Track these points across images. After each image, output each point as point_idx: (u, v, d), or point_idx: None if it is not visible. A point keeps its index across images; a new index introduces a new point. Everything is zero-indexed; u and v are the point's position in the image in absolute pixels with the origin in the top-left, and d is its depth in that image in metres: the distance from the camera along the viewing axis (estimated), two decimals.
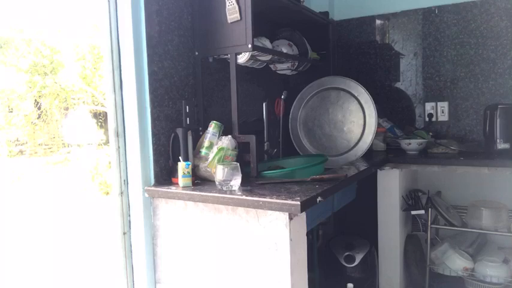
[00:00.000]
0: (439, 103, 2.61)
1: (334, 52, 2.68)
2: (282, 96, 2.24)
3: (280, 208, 1.28)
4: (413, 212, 2.33)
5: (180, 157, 1.59)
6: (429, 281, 2.31)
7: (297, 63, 2.23)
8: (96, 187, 5.85)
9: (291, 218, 1.30)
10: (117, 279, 1.69)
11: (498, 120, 2.12)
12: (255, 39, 1.69)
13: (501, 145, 2.11)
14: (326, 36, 2.44)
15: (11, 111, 7.87)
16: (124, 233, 1.64)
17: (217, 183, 1.47)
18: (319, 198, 1.33)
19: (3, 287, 3.26)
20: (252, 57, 1.85)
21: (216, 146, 1.64)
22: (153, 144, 1.61)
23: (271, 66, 2.27)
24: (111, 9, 1.57)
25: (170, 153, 1.65)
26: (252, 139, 1.65)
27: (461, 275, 2.28)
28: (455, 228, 2.34)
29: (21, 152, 7.94)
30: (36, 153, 8.12)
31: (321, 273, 2.27)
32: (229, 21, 1.67)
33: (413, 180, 2.59)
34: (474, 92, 2.51)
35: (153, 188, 1.59)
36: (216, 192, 1.43)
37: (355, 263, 2.26)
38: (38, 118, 8.28)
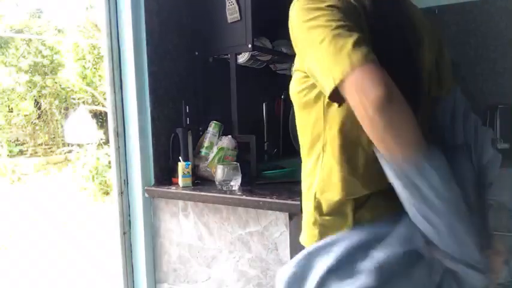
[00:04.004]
0: None
1: None
2: (282, 96, 2.24)
3: (280, 208, 1.28)
4: None
5: (180, 157, 1.59)
6: None
7: None
8: (96, 187, 5.86)
9: (291, 218, 1.30)
10: (117, 279, 1.69)
11: (498, 120, 2.11)
12: (255, 39, 1.69)
13: (501, 145, 2.11)
14: None
15: (11, 111, 7.88)
16: (124, 233, 1.64)
17: (217, 183, 1.47)
18: None
19: (4, 287, 3.26)
20: (252, 57, 1.85)
21: (216, 146, 1.64)
22: (153, 144, 1.61)
23: (271, 66, 2.26)
24: (111, 9, 1.57)
25: (170, 153, 1.65)
26: (252, 139, 1.65)
27: None
28: None
29: (21, 152, 7.94)
30: (36, 153, 8.13)
31: None
32: (229, 21, 1.67)
33: None
34: (474, 92, 2.51)
35: (153, 188, 1.59)
36: (216, 192, 1.43)
37: None
38: (38, 118, 8.30)
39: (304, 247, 0.93)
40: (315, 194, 0.90)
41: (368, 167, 0.86)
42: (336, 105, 0.78)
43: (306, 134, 0.94)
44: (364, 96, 0.67)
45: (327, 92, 0.72)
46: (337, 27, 0.73)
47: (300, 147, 0.97)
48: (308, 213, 0.92)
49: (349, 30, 0.73)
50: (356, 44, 0.70)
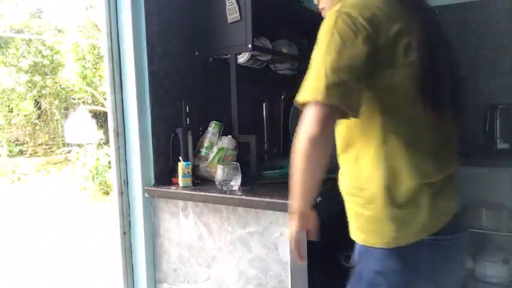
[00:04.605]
0: None
1: None
2: (282, 96, 2.24)
3: (280, 208, 1.27)
4: None
5: (180, 157, 1.59)
6: None
7: (297, 63, 2.23)
8: (96, 187, 5.85)
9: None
10: (117, 279, 1.69)
11: (498, 120, 2.11)
12: (255, 39, 1.69)
13: (501, 145, 2.11)
14: None
15: (11, 111, 7.87)
16: (124, 233, 1.64)
17: (217, 183, 1.47)
18: (319, 198, 1.33)
19: (4, 287, 3.26)
20: (252, 57, 1.85)
21: (216, 146, 1.64)
22: (153, 144, 1.61)
23: (271, 66, 2.26)
24: (111, 9, 1.57)
25: (170, 153, 1.65)
26: (252, 139, 1.65)
27: None
28: None
29: (21, 152, 7.93)
30: (36, 153, 8.12)
31: (321, 274, 2.26)
32: (229, 21, 1.67)
33: None
34: (474, 92, 2.51)
35: (153, 188, 1.59)
36: (216, 192, 1.43)
37: None
38: (38, 118, 8.29)
39: (368, 247, 0.92)
40: (386, 187, 0.89)
41: (437, 146, 0.90)
42: (394, 97, 0.89)
43: (353, 133, 0.96)
44: (305, 126, 0.87)
45: (298, 98, 0.92)
46: (340, 52, 0.85)
47: (342, 148, 0.99)
48: (376, 210, 0.91)
49: (347, 63, 0.85)
50: (333, 85, 0.84)
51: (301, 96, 0.91)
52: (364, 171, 0.93)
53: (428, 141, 0.91)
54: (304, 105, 0.90)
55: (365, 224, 0.94)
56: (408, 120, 0.90)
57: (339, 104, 0.84)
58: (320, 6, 1.12)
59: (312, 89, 0.87)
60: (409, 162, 0.88)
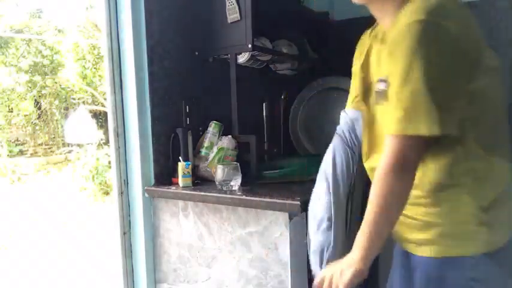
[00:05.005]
0: None
1: (334, 52, 2.67)
2: (282, 96, 2.24)
3: (280, 208, 1.28)
4: None
5: (180, 157, 1.59)
6: None
7: (297, 63, 2.23)
8: (96, 187, 5.86)
9: (291, 218, 1.30)
10: (117, 279, 1.69)
11: None
12: (255, 39, 1.69)
13: None
14: (326, 36, 2.44)
15: (11, 111, 7.87)
16: (124, 233, 1.64)
17: (217, 183, 1.47)
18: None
19: (4, 287, 3.26)
20: (252, 57, 1.85)
21: (216, 146, 1.64)
22: (153, 144, 1.61)
23: (271, 66, 2.26)
24: (111, 9, 1.57)
25: (170, 153, 1.65)
26: (252, 139, 1.65)
27: None
28: None
29: (21, 152, 7.93)
30: (36, 153, 8.13)
31: None
32: (229, 21, 1.67)
33: None
34: None
35: (153, 188, 1.59)
36: (216, 192, 1.43)
37: None
38: (38, 118, 8.30)
39: (455, 257, 0.85)
40: (471, 191, 0.83)
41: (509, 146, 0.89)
42: (476, 103, 0.84)
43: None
44: (406, 160, 0.81)
45: (389, 129, 0.83)
46: (434, 79, 0.78)
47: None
48: (462, 217, 0.84)
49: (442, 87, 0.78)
50: (431, 112, 0.77)
51: (393, 129, 0.81)
52: (439, 179, 0.86)
53: (504, 142, 0.88)
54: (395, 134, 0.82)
55: (447, 234, 0.86)
56: (487, 123, 0.86)
57: (438, 131, 0.77)
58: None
59: (403, 119, 0.79)
60: (494, 163, 0.84)
